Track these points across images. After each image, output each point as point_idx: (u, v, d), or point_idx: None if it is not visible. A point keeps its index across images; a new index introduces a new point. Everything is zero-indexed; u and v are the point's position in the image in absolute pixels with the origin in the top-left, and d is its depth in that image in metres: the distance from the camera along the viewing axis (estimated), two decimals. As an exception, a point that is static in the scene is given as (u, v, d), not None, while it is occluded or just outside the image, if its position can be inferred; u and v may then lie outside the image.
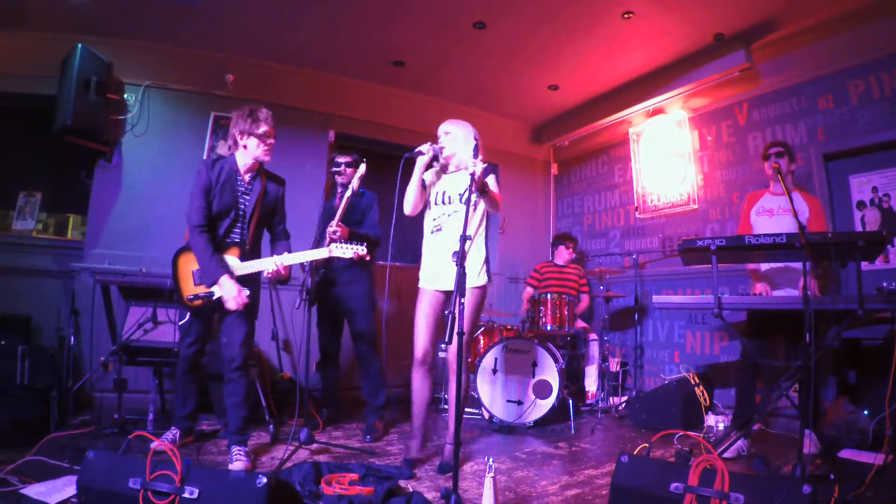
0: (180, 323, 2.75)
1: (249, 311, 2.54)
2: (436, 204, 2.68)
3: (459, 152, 2.65)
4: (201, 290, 2.46)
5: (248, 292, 2.46)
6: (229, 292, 2.40)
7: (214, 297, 2.44)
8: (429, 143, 2.59)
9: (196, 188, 2.49)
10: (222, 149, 4.35)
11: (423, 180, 2.63)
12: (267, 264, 2.50)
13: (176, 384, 2.80)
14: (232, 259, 2.49)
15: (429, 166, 2.67)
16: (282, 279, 2.55)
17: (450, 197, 2.64)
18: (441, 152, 2.63)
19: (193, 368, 2.75)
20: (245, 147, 2.53)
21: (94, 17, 3.73)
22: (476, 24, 3.82)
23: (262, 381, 3.55)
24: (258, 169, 2.62)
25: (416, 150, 2.56)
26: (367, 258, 2.65)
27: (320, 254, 2.58)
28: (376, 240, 3.34)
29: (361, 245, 2.59)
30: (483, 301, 2.64)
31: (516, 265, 5.59)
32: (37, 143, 4.11)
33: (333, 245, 2.59)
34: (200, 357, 2.76)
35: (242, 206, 2.56)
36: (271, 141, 2.56)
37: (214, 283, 2.41)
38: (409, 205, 2.62)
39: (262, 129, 2.51)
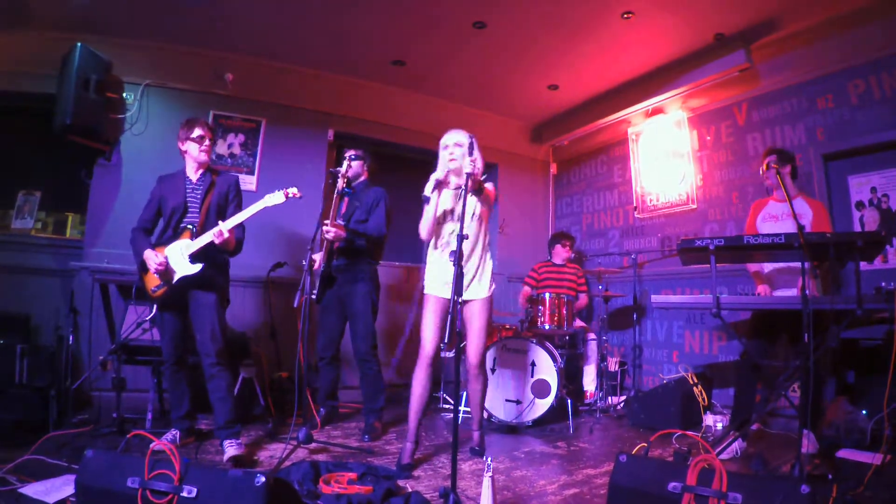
0: (149, 317, 2.84)
1: (216, 305, 2.67)
2: (447, 221, 2.74)
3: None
4: (161, 278, 2.61)
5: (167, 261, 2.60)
6: (149, 260, 2.59)
7: (175, 281, 2.58)
8: (443, 171, 2.63)
9: (147, 200, 2.80)
10: (221, 147, 4.35)
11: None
12: (212, 233, 2.58)
13: (168, 384, 2.83)
14: (184, 241, 2.63)
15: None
16: (230, 248, 2.67)
17: (458, 215, 2.71)
18: (454, 170, 2.66)
19: (180, 367, 2.78)
20: (187, 152, 2.77)
21: (94, 15, 3.73)
22: (476, 24, 3.82)
23: (260, 380, 3.56)
24: (206, 169, 2.82)
25: (434, 180, 2.57)
26: (299, 196, 2.70)
27: (255, 208, 2.64)
28: (378, 238, 3.29)
29: (297, 189, 2.68)
30: (492, 307, 2.84)
31: (516, 265, 5.59)
32: (36, 141, 4.11)
33: (269, 195, 2.67)
34: (183, 353, 2.79)
35: (192, 199, 2.74)
36: (207, 142, 2.76)
37: (140, 259, 2.63)
38: (427, 233, 2.70)
39: (197, 132, 2.74)
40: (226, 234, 2.57)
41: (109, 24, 3.86)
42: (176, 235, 2.67)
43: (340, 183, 3.06)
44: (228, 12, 3.72)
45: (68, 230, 4.22)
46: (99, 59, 3.77)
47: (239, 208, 2.80)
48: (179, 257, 2.61)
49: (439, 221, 2.73)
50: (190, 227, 2.66)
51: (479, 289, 2.75)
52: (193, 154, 2.75)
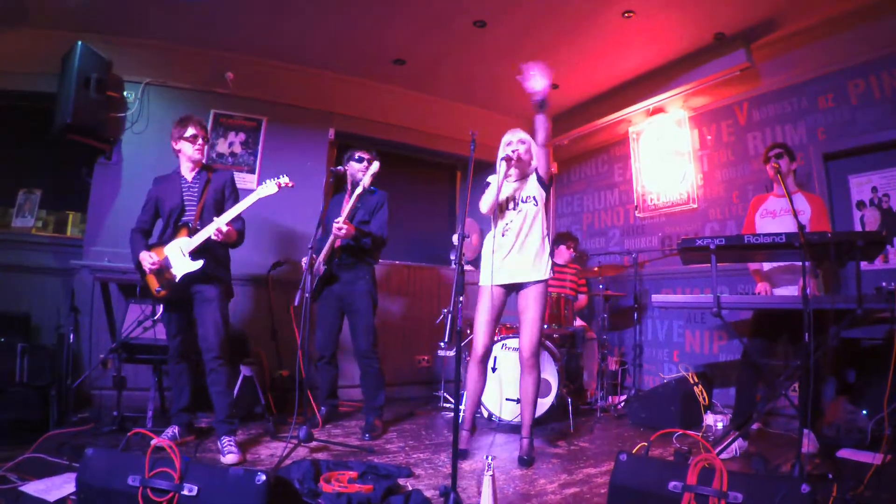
0: (156, 317, 2.87)
1: (219, 299, 2.67)
2: (508, 210, 2.78)
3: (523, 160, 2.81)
4: (163, 279, 2.62)
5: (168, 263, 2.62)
6: (143, 262, 2.63)
7: (178, 280, 2.59)
8: (506, 158, 2.67)
9: (144, 202, 2.82)
10: (221, 146, 4.35)
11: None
12: (210, 229, 2.59)
13: (170, 378, 2.84)
14: (182, 239, 2.64)
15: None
16: (232, 240, 2.70)
17: (516, 202, 2.81)
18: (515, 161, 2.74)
19: (183, 359, 2.80)
20: (181, 151, 2.78)
21: (94, 14, 3.72)
22: (476, 23, 3.81)
23: (260, 379, 3.56)
24: (201, 167, 2.84)
25: (505, 167, 2.65)
26: (291, 185, 2.71)
27: (250, 200, 2.65)
28: (382, 240, 3.33)
29: (287, 178, 2.71)
30: (547, 292, 2.82)
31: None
32: (37, 140, 4.11)
33: (262, 186, 2.70)
34: (188, 348, 2.80)
35: (189, 197, 2.76)
36: (201, 141, 2.78)
37: (137, 260, 2.66)
38: (489, 207, 2.72)
39: (190, 132, 2.75)
40: (224, 229, 2.59)
41: (110, 23, 3.85)
42: (175, 234, 2.69)
43: (368, 180, 3.14)
44: (228, 11, 3.72)
45: (69, 229, 4.22)
46: (99, 57, 3.76)
47: (236, 203, 2.82)
48: (180, 255, 2.62)
49: (501, 208, 2.78)
50: (187, 224, 2.68)
51: (534, 271, 2.70)
52: (188, 153, 2.77)
